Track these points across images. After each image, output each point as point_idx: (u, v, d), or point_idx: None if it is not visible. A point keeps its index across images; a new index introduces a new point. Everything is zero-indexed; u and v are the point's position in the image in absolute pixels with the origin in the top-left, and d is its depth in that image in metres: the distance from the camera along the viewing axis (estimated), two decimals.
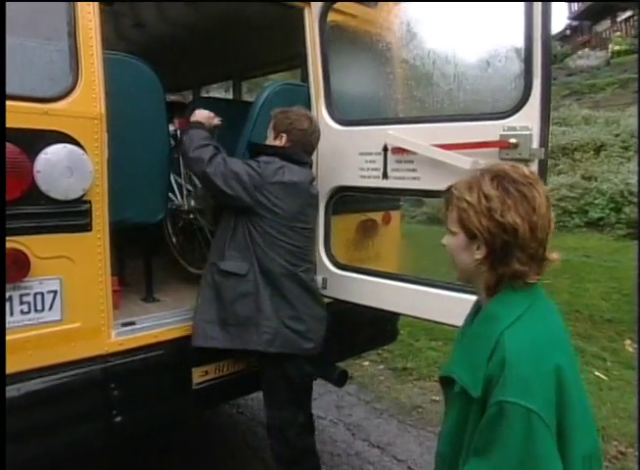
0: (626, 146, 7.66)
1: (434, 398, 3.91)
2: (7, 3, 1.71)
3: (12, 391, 1.77)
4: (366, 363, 4.48)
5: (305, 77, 3.95)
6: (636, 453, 3.09)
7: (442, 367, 1.31)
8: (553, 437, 1.03)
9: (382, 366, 4.45)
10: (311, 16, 2.66)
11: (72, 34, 1.87)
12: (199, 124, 2.36)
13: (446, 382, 1.24)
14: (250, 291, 2.22)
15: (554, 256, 1.18)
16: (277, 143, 2.35)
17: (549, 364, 1.07)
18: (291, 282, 2.26)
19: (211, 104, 3.57)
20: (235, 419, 3.60)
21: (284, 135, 2.34)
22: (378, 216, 3.05)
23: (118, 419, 2.05)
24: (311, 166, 2.43)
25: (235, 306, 2.22)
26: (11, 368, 1.73)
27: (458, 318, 2.24)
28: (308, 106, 2.67)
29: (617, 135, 7.95)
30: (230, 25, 3.73)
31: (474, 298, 2.16)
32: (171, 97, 2.43)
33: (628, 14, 16.81)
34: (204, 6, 3.48)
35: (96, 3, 1.93)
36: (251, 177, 2.19)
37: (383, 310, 2.52)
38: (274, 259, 2.23)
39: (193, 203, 2.92)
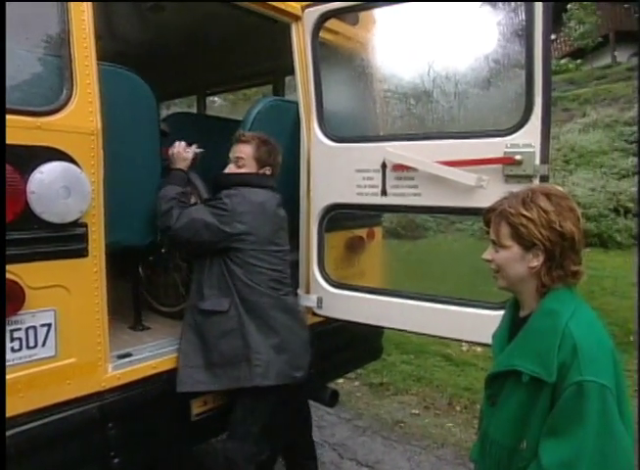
0: (567, 160, 8.22)
1: (413, 411, 3.92)
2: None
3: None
4: (341, 381, 4.41)
5: (277, 93, 3.95)
6: None
7: (495, 365, 1.39)
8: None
9: (357, 383, 4.41)
10: (299, 32, 2.63)
11: (67, 42, 1.72)
12: (176, 172, 2.28)
13: (494, 379, 1.37)
14: (233, 327, 2.12)
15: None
16: (262, 171, 2.34)
17: (607, 346, 1.24)
18: (275, 310, 2.20)
19: (189, 119, 3.46)
20: (216, 447, 3.41)
21: (269, 168, 2.35)
22: (363, 233, 3.04)
23: (116, 461, 1.88)
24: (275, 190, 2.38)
25: (220, 346, 2.12)
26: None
27: (460, 332, 2.30)
28: (298, 122, 2.62)
29: (558, 150, 8.52)
30: (196, 40, 3.62)
31: (476, 311, 2.24)
32: None
33: (551, 37, 18.12)
34: (169, 16, 3.35)
35: (90, 9, 1.79)
36: (218, 216, 2.13)
37: (383, 328, 2.49)
38: (255, 289, 2.15)
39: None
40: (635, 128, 8.58)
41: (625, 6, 17.01)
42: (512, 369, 1.29)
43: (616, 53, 17.29)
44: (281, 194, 2.38)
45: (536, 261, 1.28)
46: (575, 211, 1.30)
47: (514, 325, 1.41)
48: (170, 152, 2.33)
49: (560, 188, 1.40)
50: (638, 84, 8.63)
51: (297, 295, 2.58)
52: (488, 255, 1.38)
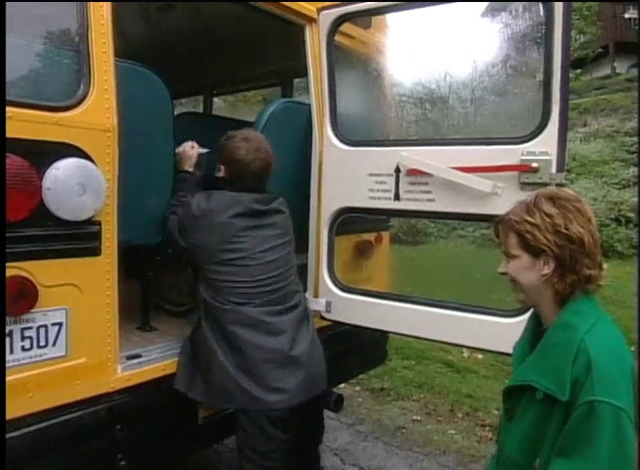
0: (568, 169, 8.25)
1: (415, 417, 3.90)
2: (17, 3, 1.53)
3: (9, 440, 1.54)
4: (342, 385, 4.38)
5: (285, 95, 3.94)
6: None
7: (512, 378, 1.34)
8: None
9: (358, 387, 4.38)
10: (313, 34, 2.61)
11: (85, 37, 1.70)
12: (183, 176, 2.23)
13: (511, 393, 1.32)
14: (202, 342, 2.02)
15: (604, 265, 1.28)
16: (220, 174, 2.21)
17: (627, 366, 1.16)
18: (235, 325, 1.96)
19: (198, 119, 3.45)
20: (217, 450, 3.38)
21: (222, 167, 2.20)
22: (371, 237, 3.03)
23: (123, 463, 1.84)
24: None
25: (202, 358, 2.03)
26: (9, 414, 1.51)
27: (469, 338, 2.28)
28: (311, 125, 2.61)
29: None
30: (205, 40, 3.60)
31: (485, 318, 2.22)
32: None
33: None
34: (178, 16, 3.34)
35: (109, 5, 1.77)
36: (181, 221, 2.09)
37: (391, 333, 2.47)
38: (214, 304, 1.99)
39: None
40: (636, 139, 8.61)
41: (626, 16, 17.15)
42: (526, 384, 1.24)
43: (615, 64, 17.43)
44: (282, 196, 2.28)
45: (547, 269, 1.23)
46: (585, 213, 1.24)
47: (535, 337, 1.35)
48: (177, 150, 2.27)
49: (569, 191, 1.33)
50: (638, 94, 8.66)
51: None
52: (502, 267, 1.33)
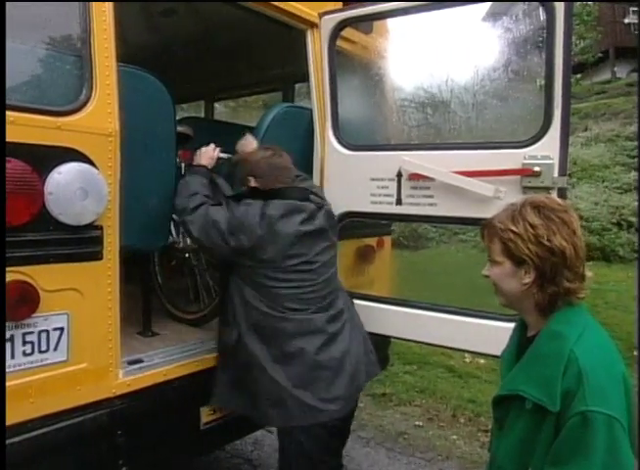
0: (570, 173, 8.26)
1: (417, 423, 3.87)
2: (18, 6, 1.53)
3: (10, 446, 1.53)
4: None
5: (286, 100, 3.94)
6: None
7: (501, 387, 1.33)
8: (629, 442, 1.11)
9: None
10: (315, 38, 2.62)
11: (88, 42, 1.70)
12: (200, 168, 2.21)
13: (500, 401, 1.31)
14: (247, 361, 1.97)
15: (589, 273, 1.28)
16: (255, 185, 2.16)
17: (618, 373, 1.17)
18: (297, 335, 1.93)
19: (201, 123, 3.45)
20: (217, 456, 3.36)
21: (251, 179, 2.17)
22: (373, 242, 3.02)
23: (125, 469, 1.83)
24: (307, 198, 2.16)
25: (246, 378, 2.00)
26: (10, 419, 1.50)
27: (470, 343, 2.27)
28: (312, 129, 2.61)
29: None
30: (207, 45, 3.61)
31: (485, 322, 2.22)
32: (179, 128, 2.27)
33: None
34: (181, 21, 3.35)
35: (112, 9, 1.77)
36: (229, 224, 1.96)
37: (394, 338, 2.47)
38: (270, 314, 1.95)
39: (189, 241, 2.58)
40: (637, 143, 8.63)
41: (625, 22, 17.22)
42: (515, 394, 1.23)
43: (615, 68, 17.47)
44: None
45: (528, 278, 1.23)
46: (570, 225, 1.22)
47: (521, 345, 1.35)
48: (198, 152, 2.27)
49: (557, 199, 1.32)
50: (638, 98, 8.70)
51: None
52: (486, 270, 1.34)
